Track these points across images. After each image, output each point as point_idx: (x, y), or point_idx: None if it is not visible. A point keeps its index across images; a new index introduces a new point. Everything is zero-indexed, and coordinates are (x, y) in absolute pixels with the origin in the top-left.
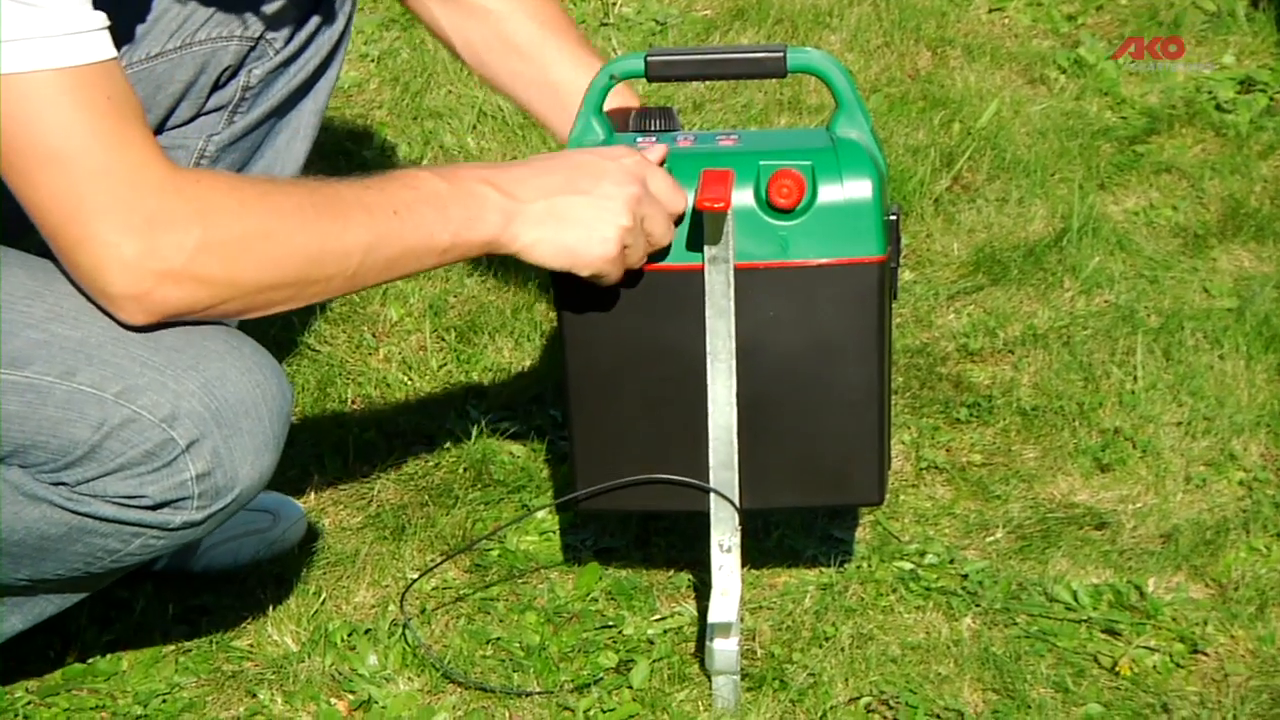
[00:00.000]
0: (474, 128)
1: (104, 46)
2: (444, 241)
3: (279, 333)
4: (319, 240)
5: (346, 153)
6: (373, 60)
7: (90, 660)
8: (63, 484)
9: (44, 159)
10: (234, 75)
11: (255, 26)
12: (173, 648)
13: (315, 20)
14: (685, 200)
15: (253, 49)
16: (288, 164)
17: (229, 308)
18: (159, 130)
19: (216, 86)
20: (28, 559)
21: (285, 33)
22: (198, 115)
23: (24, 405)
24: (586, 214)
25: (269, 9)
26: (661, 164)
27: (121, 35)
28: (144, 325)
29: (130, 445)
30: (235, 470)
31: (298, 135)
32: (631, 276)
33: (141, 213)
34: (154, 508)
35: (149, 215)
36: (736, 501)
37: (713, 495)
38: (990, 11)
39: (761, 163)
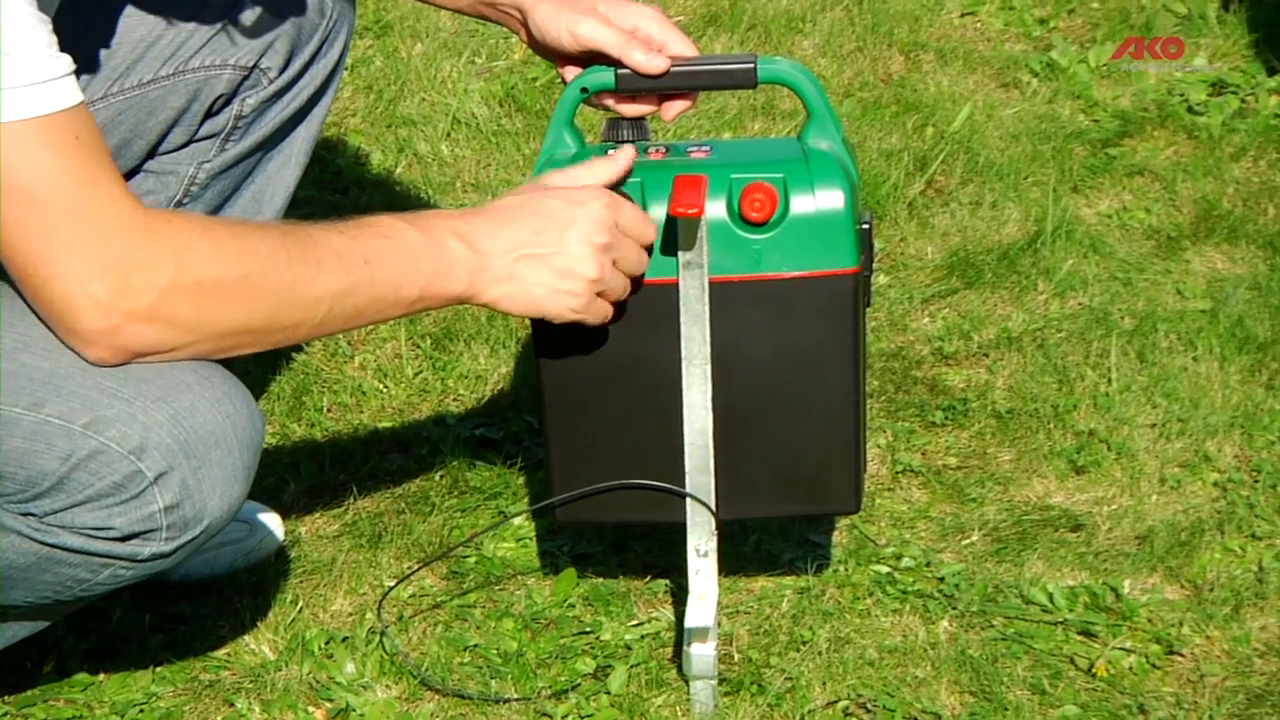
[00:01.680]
0: (448, 135)
1: (71, 92)
2: (412, 294)
3: None
4: (290, 286)
5: (321, 161)
6: (346, 68)
7: (67, 670)
8: (30, 515)
9: (13, 198)
10: (227, 103)
11: (249, 56)
12: (150, 657)
13: (310, 50)
14: (655, 231)
15: (246, 78)
16: (278, 190)
17: (196, 349)
18: (150, 155)
19: (210, 114)
20: None
21: (280, 62)
22: (190, 142)
23: None
24: (555, 268)
25: (264, 38)
26: (628, 173)
27: (113, 61)
28: (111, 363)
29: (98, 477)
30: (204, 502)
31: (289, 162)
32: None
33: (112, 252)
34: (122, 539)
35: (119, 254)
36: (712, 506)
37: (689, 500)
38: (963, 16)
39: (733, 176)
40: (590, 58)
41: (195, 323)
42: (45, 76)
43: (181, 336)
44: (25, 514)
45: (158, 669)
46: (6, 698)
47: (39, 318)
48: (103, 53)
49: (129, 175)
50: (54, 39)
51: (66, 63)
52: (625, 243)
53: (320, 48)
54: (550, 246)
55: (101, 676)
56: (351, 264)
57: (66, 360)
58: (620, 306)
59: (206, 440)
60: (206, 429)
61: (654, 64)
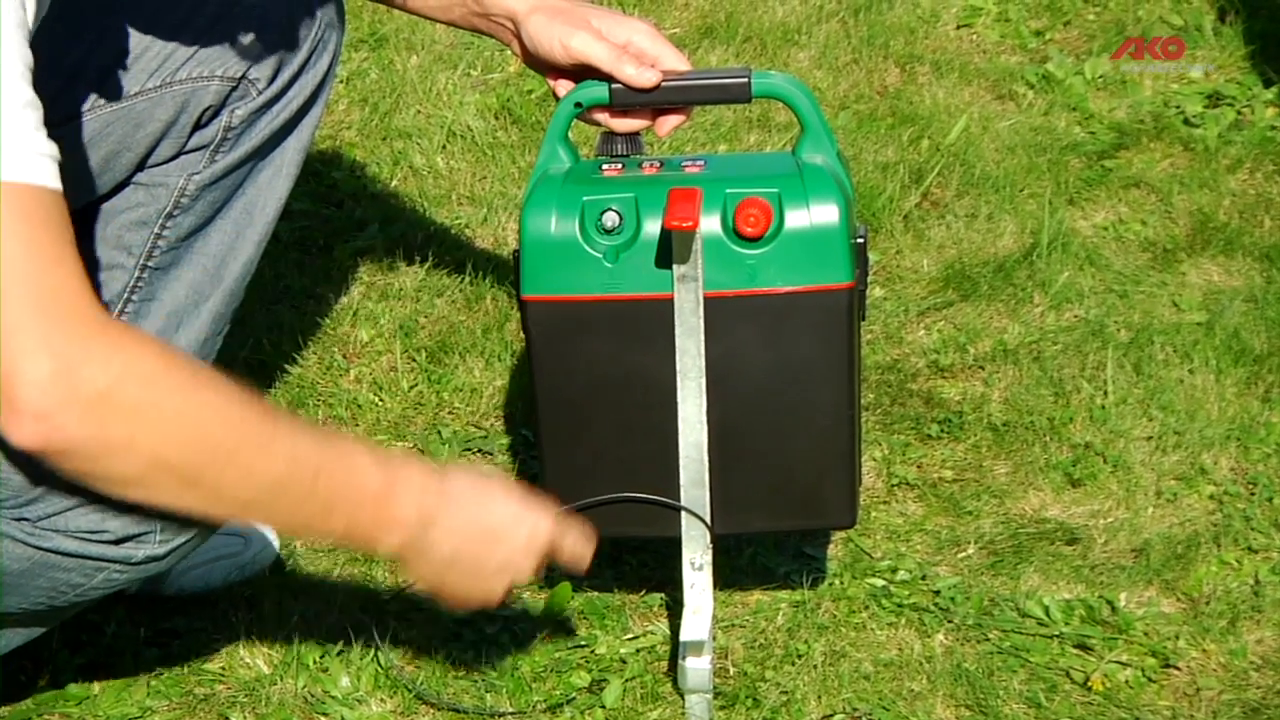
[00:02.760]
0: (443, 148)
1: (54, 176)
2: (337, 527)
3: (249, 354)
4: (231, 447)
5: (316, 174)
6: (341, 81)
7: (62, 684)
8: (24, 519)
9: None
10: (216, 114)
11: (238, 66)
12: (144, 671)
13: (299, 60)
14: (586, 563)
15: (235, 89)
16: (269, 201)
17: (112, 469)
18: (140, 168)
19: (198, 125)
20: None
21: (268, 72)
22: (179, 154)
23: None
24: (474, 588)
25: (252, 49)
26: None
27: (99, 73)
28: (30, 450)
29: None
30: None
31: (280, 173)
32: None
33: (65, 336)
34: (116, 542)
35: (72, 340)
36: (707, 519)
37: (684, 514)
38: (958, 28)
39: (728, 190)
40: (582, 72)
41: (125, 438)
42: (36, 150)
43: (106, 446)
44: (19, 519)
45: (152, 683)
46: (1, 712)
47: None
48: (90, 66)
49: (118, 188)
50: (43, 126)
51: (54, 149)
52: (533, 569)
53: (309, 58)
54: (482, 570)
55: (96, 690)
56: (302, 464)
57: None
58: (612, 317)
59: None
60: None
61: (645, 78)
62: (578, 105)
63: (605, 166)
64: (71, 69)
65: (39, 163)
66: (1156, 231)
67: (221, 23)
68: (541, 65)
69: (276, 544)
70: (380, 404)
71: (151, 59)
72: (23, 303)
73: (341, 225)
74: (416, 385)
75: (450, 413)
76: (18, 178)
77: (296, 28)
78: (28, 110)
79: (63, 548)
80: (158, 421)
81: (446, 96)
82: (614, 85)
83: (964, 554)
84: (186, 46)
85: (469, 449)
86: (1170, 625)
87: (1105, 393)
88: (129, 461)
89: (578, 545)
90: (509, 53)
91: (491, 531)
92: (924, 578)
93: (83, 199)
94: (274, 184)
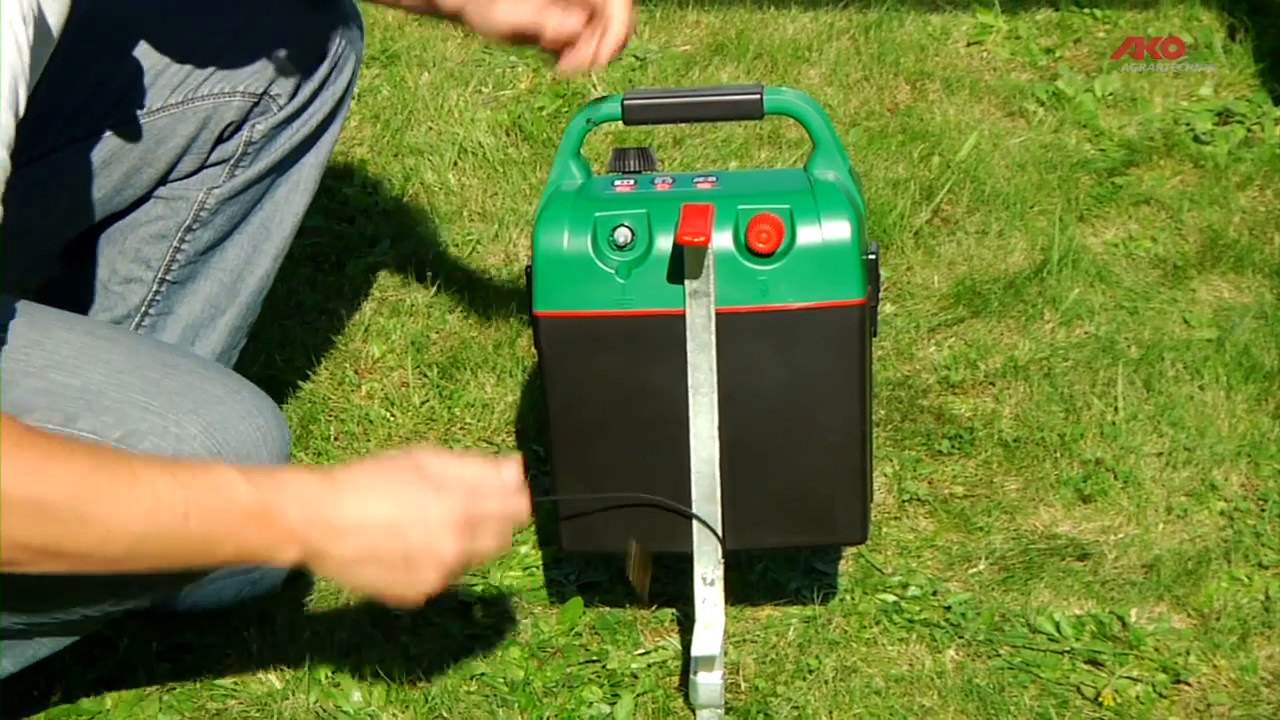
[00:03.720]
0: (455, 164)
1: None
2: (227, 553)
3: (260, 370)
4: (82, 521)
5: (328, 190)
6: (354, 96)
7: (74, 698)
8: None
9: None
10: (237, 130)
11: (259, 82)
12: (157, 686)
13: (319, 76)
14: (521, 506)
15: (256, 104)
16: (286, 216)
17: None
18: (161, 183)
19: (220, 140)
20: (27, 605)
21: (289, 88)
22: (200, 168)
23: None
24: (394, 580)
25: (273, 66)
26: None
27: (121, 89)
28: None
29: None
30: None
31: (298, 188)
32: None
33: None
34: None
35: None
36: (719, 531)
37: (695, 527)
38: (969, 45)
39: (740, 207)
40: (524, 38)
41: None
42: None
43: None
44: None
45: (164, 698)
46: None
47: (69, 332)
48: (112, 82)
49: (139, 202)
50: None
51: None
52: (485, 530)
53: (329, 74)
54: (398, 562)
55: (109, 705)
56: (165, 511)
57: (97, 376)
58: (624, 332)
59: (239, 452)
60: (239, 441)
61: (567, 25)
62: (589, 121)
63: (617, 183)
64: (93, 86)
65: None
66: (1167, 248)
67: (243, 40)
68: (494, 40)
69: None
70: (392, 420)
71: (174, 75)
72: None
73: (353, 241)
74: (428, 401)
75: (462, 428)
76: None
77: (317, 45)
78: None
79: None
80: (6, 514)
81: (458, 113)
82: (625, 101)
83: (975, 570)
84: (208, 63)
85: None
86: (1181, 641)
87: (1116, 409)
88: None
89: (507, 505)
90: (520, 69)
91: (393, 521)
92: (935, 593)
93: (103, 213)
94: (291, 199)
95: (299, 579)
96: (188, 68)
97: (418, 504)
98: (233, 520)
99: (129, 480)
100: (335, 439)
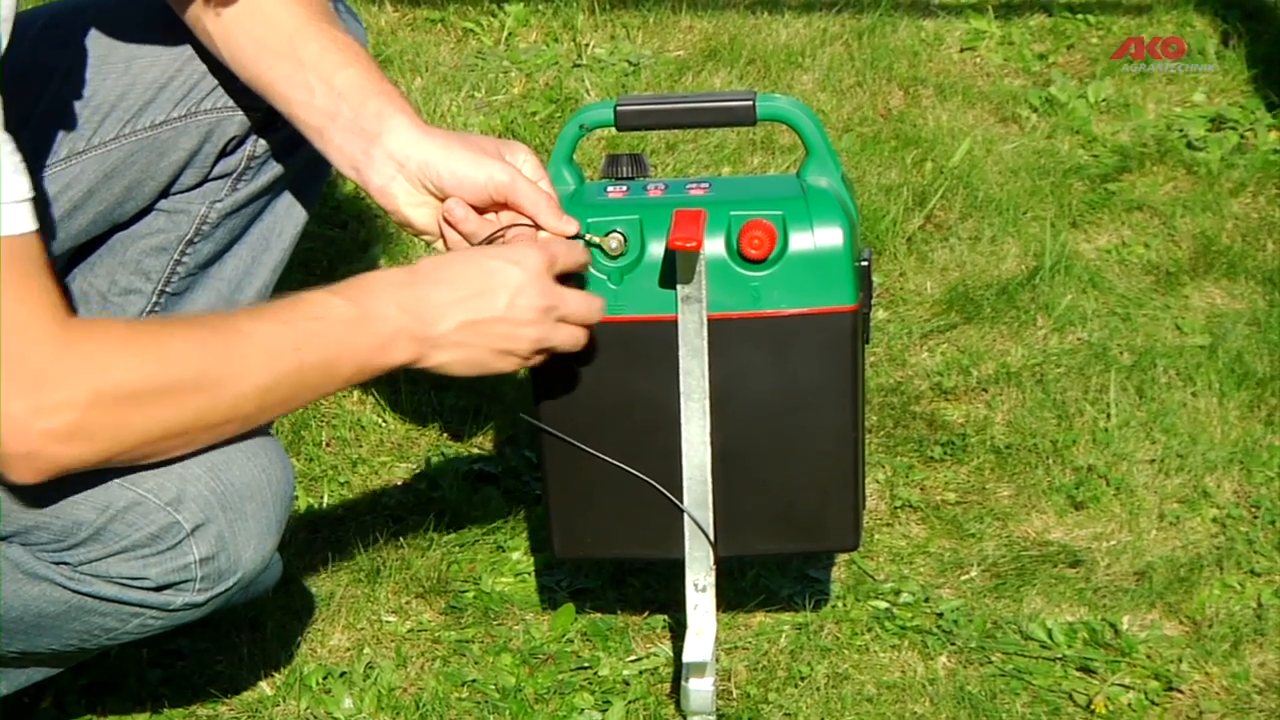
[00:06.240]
0: None
1: (21, 221)
2: (348, 371)
3: None
4: (214, 387)
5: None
6: None
7: (66, 705)
8: (65, 563)
9: None
10: (240, 144)
11: (263, 99)
12: (148, 692)
13: None
14: (588, 258)
15: (260, 119)
16: (286, 228)
17: (120, 459)
18: (163, 195)
19: (223, 154)
20: (23, 634)
21: None
22: (202, 182)
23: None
24: (498, 333)
25: None
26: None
27: (125, 102)
28: (35, 483)
29: (135, 528)
30: (239, 554)
31: (299, 202)
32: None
33: (30, 368)
34: (156, 589)
35: (38, 371)
36: (710, 534)
37: (687, 533)
38: (962, 51)
39: (732, 213)
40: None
41: (115, 435)
42: (8, 198)
43: (102, 450)
44: (59, 563)
45: (156, 704)
46: None
47: None
48: (115, 95)
49: (140, 215)
50: (21, 164)
51: (25, 188)
52: (568, 297)
53: None
54: (493, 311)
55: (100, 712)
56: (279, 354)
57: None
58: (615, 338)
59: (242, 493)
60: (243, 481)
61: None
62: (582, 127)
63: (610, 188)
64: (96, 99)
65: (8, 213)
66: (1159, 255)
67: None
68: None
69: (279, 566)
70: (384, 425)
71: (177, 88)
72: None
73: (346, 247)
74: (419, 406)
75: (454, 434)
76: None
77: None
78: (9, 156)
79: (102, 593)
80: (141, 408)
81: (450, 118)
82: (618, 106)
83: (967, 576)
84: (211, 77)
85: (472, 471)
86: (1173, 648)
87: (1108, 415)
88: (128, 450)
89: (572, 259)
90: (513, 74)
91: (485, 284)
92: (927, 600)
93: (105, 225)
94: (292, 212)
95: (290, 585)
96: (192, 81)
97: (500, 264)
98: (339, 336)
99: (239, 337)
100: (327, 445)
